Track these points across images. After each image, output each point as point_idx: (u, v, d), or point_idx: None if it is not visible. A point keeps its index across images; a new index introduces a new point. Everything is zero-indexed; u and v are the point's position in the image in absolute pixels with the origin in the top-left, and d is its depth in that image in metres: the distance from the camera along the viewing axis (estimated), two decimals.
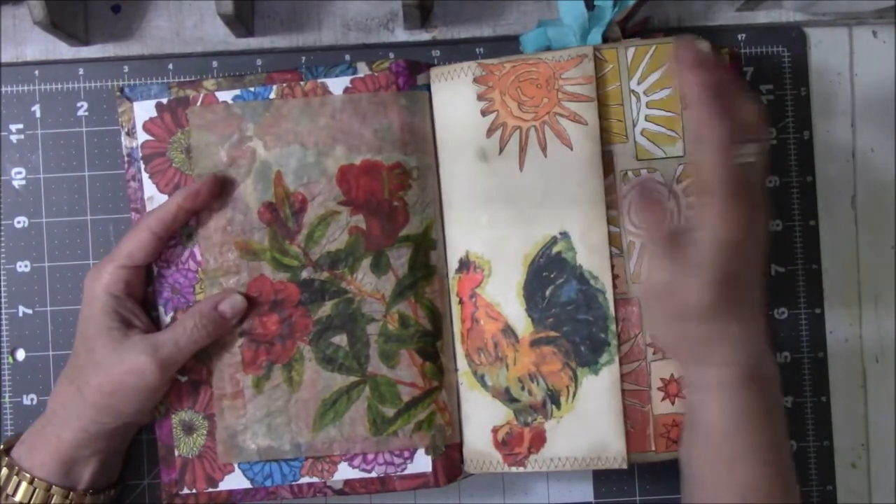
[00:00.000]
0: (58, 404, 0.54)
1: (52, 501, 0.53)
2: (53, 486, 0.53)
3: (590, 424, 0.54)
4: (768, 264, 0.59)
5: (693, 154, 0.52)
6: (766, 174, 0.52)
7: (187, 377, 0.56)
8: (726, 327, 0.47)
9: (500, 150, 0.55)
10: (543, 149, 0.54)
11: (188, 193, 0.54)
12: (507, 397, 0.55)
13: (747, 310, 0.48)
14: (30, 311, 0.60)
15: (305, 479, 0.56)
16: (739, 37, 0.60)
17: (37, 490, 0.53)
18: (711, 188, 0.46)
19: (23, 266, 0.60)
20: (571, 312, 0.54)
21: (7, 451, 0.54)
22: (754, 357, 0.48)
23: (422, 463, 0.56)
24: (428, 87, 0.57)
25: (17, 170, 0.60)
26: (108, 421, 0.53)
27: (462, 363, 0.56)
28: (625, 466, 0.54)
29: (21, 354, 0.60)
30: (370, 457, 0.56)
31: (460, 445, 0.57)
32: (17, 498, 0.53)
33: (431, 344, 0.56)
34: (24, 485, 0.53)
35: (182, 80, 0.59)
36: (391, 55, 0.60)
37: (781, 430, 0.49)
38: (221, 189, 0.55)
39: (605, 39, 0.55)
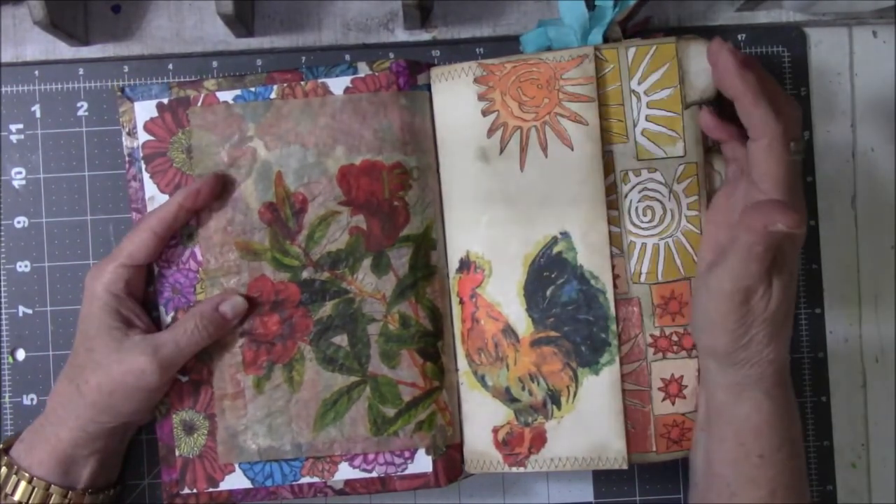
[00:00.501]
0: (57, 403, 0.54)
1: (51, 501, 0.53)
2: (52, 485, 0.53)
3: (590, 425, 0.54)
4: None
5: (734, 153, 0.53)
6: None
7: (188, 377, 0.56)
8: (782, 327, 0.49)
9: (501, 151, 0.55)
10: (544, 149, 0.54)
11: (189, 193, 0.54)
12: (508, 397, 0.55)
13: (793, 308, 0.50)
14: (30, 311, 0.60)
15: (306, 479, 0.56)
16: (739, 37, 0.60)
17: (35, 489, 0.53)
18: (775, 184, 0.48)
19: (23, 266, 0.60)
20: (572, 312, 0.54)
21: (6, 450, 0.54)
22: (787, 355, 0.50)
23: (422, 463, 0.56)
24: (428, 87, 0.57)
25: (17, 170, 0.60)
26: (107, 420, 0.53)
27: (462, 363, 0.56)
28: (625, 467, 0.54)
29: (21, 354, 0.60)
30: (371, 457, 0.56)
31: (461, 445, 0.57)
32: (17, 497, 0.53)
33: (432, 344, 0.56)
34: (22, 484, 0.53)
35: (182, 80, 0.59)
36: (391, 55, 0.60)
37: (800, 425, 0.52)
38: (222, 188, 0.55)
39: (606, 39, 0.55)
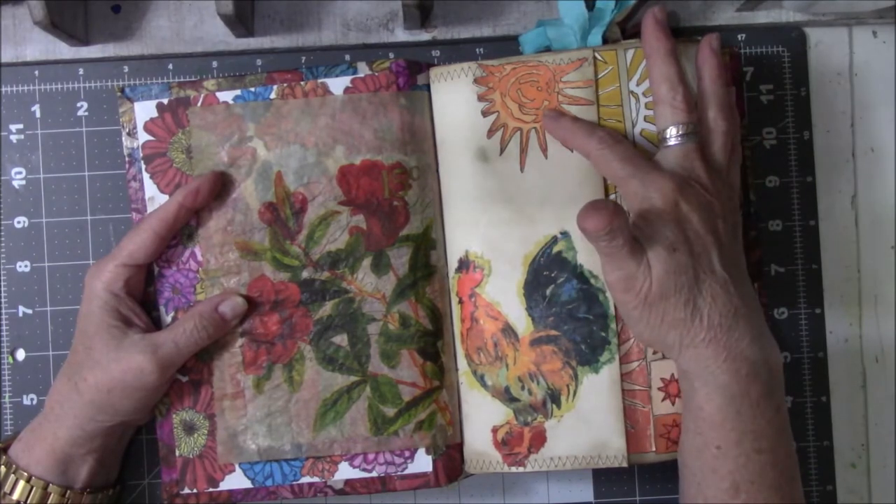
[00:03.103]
0: (55, 402, 0.54)
1: (50, 500, 0.53)
2: (50, 484, 0.53)
3: (590, 423, 0.54)
4: (769, 263, 0.60)
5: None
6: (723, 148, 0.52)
7: (188, 377, 0.56)
8: (696, 304, 0.48)
9: (501, 151, 0.55)
10: (544, 150, 0.54)
11: (188, 191, 0.54)
12: (507, 397, 0.55)
13: (721, 287, 0.49)
14: (30, 311, 0.60)
15: (306, 479, 0.56)
16: (739, 37, 0.60)
17: (34, 488, 0.53)
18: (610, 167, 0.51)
19: (23, 266, 0.60)
20: (572, 311, 0.54)
21: (5, 449, 0.54)
22: (735, 339, 0.48)
23: (422, 463, 0.56)
24: (428, 87, 0.57)
25: (17, 170, 0.60)
26: (105, 419, 0.53)
27: (462, 363, 0.56)
28: (625, 465, 0.54)
29: (21, 354, 0.60)
30: (371, 457, 0.56)
31: (461, 445, 0.57)
32: (15, 496, 0.53)
33: (432, 344, 0.56)
34: (21, 483, 0.53)
35: (182, 80, 0.59)
36: (391, 55, 0.60)
37: (779, 420, 0.49)
38: (221, 187, 0.55)
39: (605, 40, 0.55)
